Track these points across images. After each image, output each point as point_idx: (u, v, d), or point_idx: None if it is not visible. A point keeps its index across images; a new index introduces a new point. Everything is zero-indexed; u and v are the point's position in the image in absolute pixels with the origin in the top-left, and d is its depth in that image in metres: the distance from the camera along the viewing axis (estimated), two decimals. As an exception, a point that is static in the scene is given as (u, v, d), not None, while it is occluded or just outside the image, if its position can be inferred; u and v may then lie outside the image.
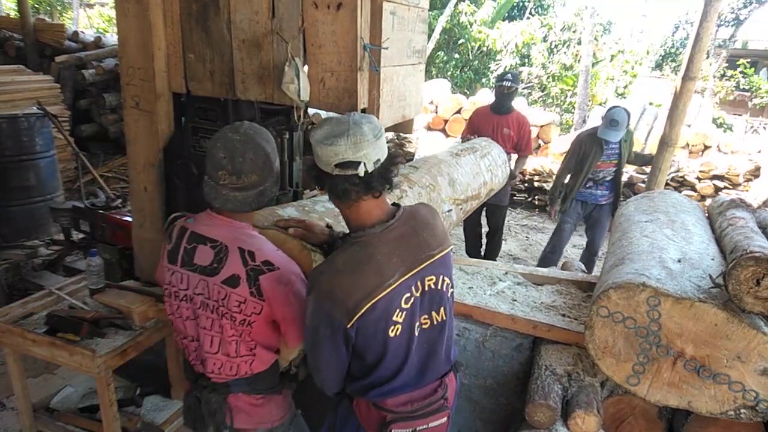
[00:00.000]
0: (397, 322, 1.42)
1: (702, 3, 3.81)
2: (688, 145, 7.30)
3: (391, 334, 1.42)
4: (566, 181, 4.54)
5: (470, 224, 4.76)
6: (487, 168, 3.68)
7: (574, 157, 4.40)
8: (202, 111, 2.56)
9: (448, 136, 8.12)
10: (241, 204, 1.54)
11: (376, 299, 1.37)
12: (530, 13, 14.22)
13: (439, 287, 1.51)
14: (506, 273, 2.85)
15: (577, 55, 11.88)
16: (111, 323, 2.31)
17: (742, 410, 1.83)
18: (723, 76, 13.62)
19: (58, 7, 16.05)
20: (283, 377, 1.70)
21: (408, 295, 1.43)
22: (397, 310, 1.42)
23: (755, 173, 6.40)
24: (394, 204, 1.54)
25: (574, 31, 12.54)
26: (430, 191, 2.73)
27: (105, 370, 2.11)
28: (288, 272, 1.53)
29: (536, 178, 7.13)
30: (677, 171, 6.62)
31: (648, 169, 4.57)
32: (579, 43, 11.91)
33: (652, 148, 6.72)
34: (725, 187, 6.41)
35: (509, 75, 4.50)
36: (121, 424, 2.27)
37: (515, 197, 7.24)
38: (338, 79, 2.22)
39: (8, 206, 4.39)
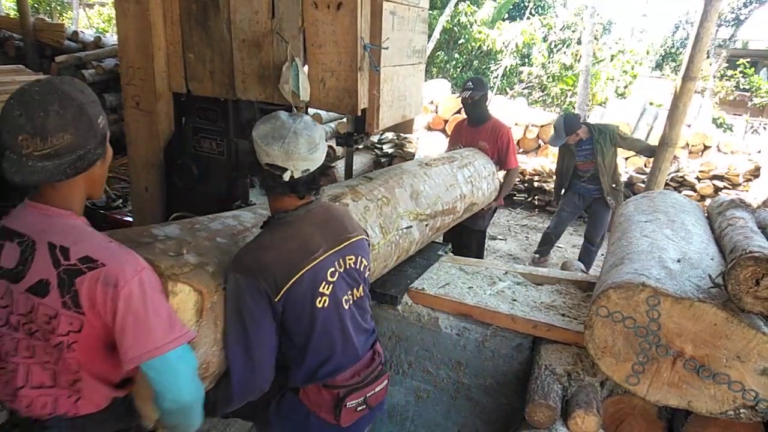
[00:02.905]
0: (323, 294, 1.52)
1: (702, 3, 3.80)
2: (688, 145, 7.29)
3: (319, 305, 1.51)
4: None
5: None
6: (466, 179, 3.27)
7: (558, 159, 4.95)
8: (202, 111, 2.57)
9: (448, 136, 8.10)
10: (52, 174, 1.16)
11: (303, 271, 1.47)
12: (530, 13, 14.21)
13: (357, 266, 1.65)
14: (506, 273, 2.85)
15: (577, 54, 11.88)
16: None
17: (742, 410, 1.83)
18: (723, 76, 13.63)
19: (58, 7, 16.05)
20: None
21: (332, 269, 1.55)
22: (324, 283, 1.52)
23: (755, 173, 6.39)
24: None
25: (574, 31, 12.55)
26: (382, 205, 2.41)
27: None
28: (118, 269, 1.15)
29: (536, 178, 7.12)
30: (677, 171, 6.62)
31: (648, 169, 4.60)
32: (579, 43, 11.91)
33: (652, 148, 6.72)
34: (725, 187, 6.40)
35: (470, 83, 3.87)
36: None
37: (515, 197, 7.24)
38: (338, 79, 2.22)
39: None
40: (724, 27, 15.27)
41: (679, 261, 2.06)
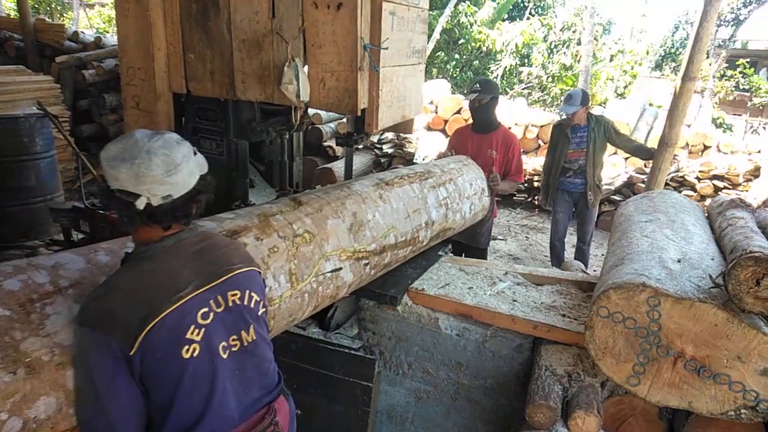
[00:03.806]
0: (192, 341, 1.25)
1: (702, 3, 3.81)
2: (687, 145, 7.30)
3: (186, 355, 1.23)
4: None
5: None
6: (440, 202, 2.75)
7: (550, 148, 4.82)
8: (202, 111, 2.57)
9: (448, 136, 8.11)
10: None
11: (163, 314, 1.20)
12: (530, 13, 14.23)
13: (245, 303, 1.37)
14: (506, 273, 2.85)
15: (577, 55, 11.90)
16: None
17: (743, 410, 1.83)
18: (723, 76, 13.65)
19: (58, 8, 16.05)
20: None
21: (206, 309, 1.29)
22: (192, 327, 1.25)
23: (755, 173, 6.39)
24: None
25: (574, 31, 12.56)
26: (298, 245, 1.91)
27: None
28: None
29: (536, 178, 7.13)
30: (677, 171, 6.62)
31: (648, 169, 4.60)
32: (579, 43, 11.93)
33: (652, 149, 6.72)
34: (725, 187, 6.40)
35: (477, 85, 3.56)
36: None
37: (515, 197, 7.24)
38: (338, 79, 2.22)
39: (8, 206, 4.40)
40: (724, 27, 15.28)
41: (679, 261, 2.06)
